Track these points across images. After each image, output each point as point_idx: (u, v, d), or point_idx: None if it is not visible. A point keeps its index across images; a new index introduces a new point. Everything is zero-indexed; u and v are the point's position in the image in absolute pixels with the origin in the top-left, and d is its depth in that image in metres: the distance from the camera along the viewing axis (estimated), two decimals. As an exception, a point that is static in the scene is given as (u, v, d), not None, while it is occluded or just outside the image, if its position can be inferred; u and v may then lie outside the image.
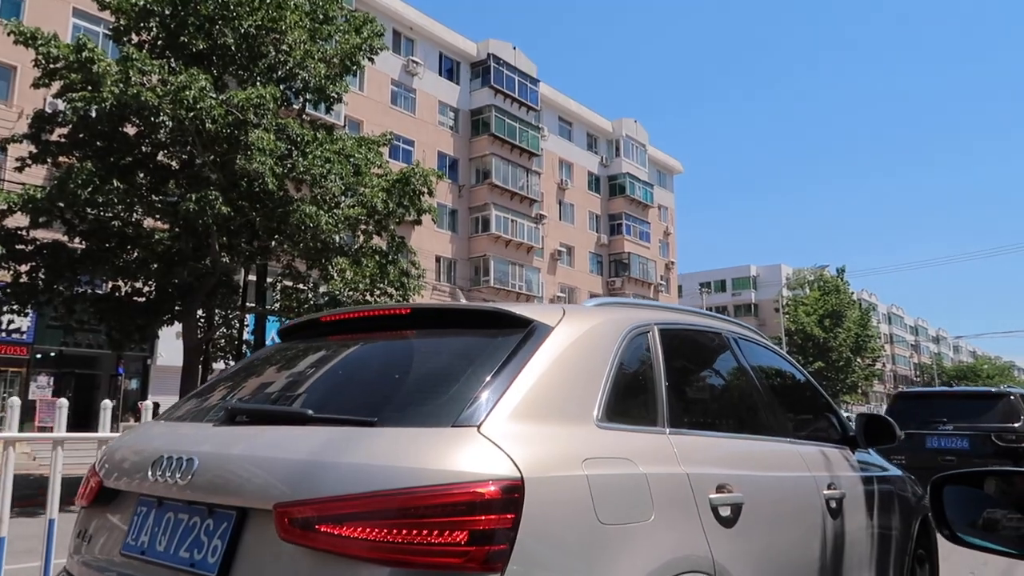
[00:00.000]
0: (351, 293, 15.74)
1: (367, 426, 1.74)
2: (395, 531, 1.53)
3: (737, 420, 2.88)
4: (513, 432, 1.72)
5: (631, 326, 2.32)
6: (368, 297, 16.03)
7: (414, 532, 1.53)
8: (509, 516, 1.57)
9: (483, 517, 1.55)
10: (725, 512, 2.15)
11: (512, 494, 1.59)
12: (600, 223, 48.42)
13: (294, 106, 15.82)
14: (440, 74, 38.71)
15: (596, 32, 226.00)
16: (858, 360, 46.85)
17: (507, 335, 2.03)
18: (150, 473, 1.90)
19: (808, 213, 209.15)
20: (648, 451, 2.03)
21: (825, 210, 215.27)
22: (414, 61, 36.40)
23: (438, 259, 36.79)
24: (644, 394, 2.25)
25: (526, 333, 2.03)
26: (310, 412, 1.84)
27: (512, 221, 39.08)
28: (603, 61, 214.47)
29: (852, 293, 48.31)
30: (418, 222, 15.52)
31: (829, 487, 2.90)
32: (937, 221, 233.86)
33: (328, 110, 16.85)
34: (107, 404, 3.66)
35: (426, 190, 14.49)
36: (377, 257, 15.26)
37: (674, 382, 2.39)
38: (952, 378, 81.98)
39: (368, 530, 1.54)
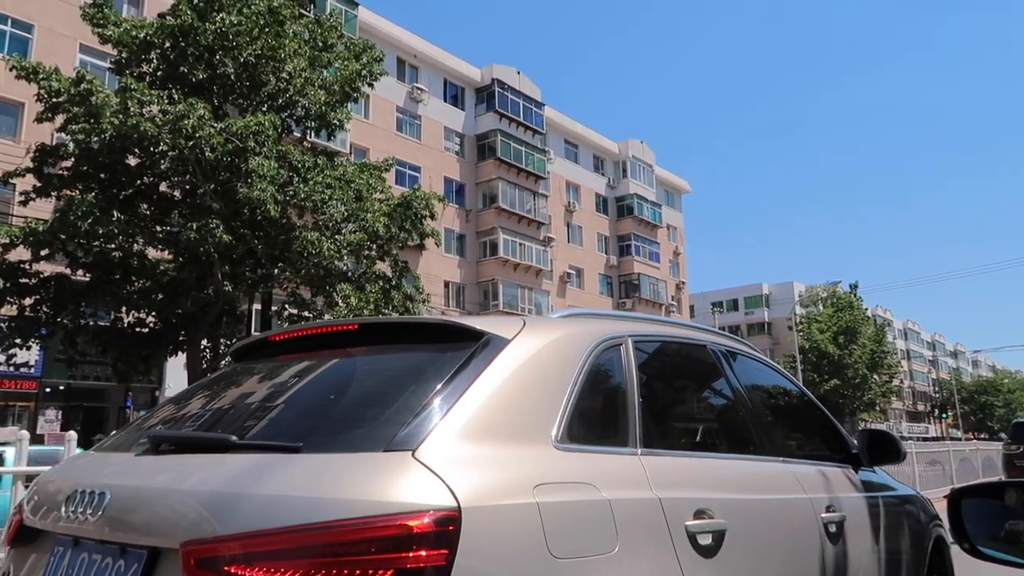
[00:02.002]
0: (355, 319, 15.64)
1: (291, 452, 1.57)
2: (312, 571, 1.36)
3: (722, 439, 2.68)
4: (454, 456, 1.55)
5: (600, 338, 2.15)
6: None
7: (333, 572, 1.35)
8: (442, 552, 1.39)
9: (411, 554, 1.37)
10: (705, 540, 1.95)
11: (446, 526, 1.41)
12: (609, 244, 48.30)
13: (295, 133, 15.83)
14: (445, 100, 38.94)
15: (600, 55, 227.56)
16: (875, 377, 46.14)
17: (457, 350, 1.87)
18: (63, 509, 1.74)
19: (819, 229, 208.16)
20: (614, 475, 1.85)
21: (837, 226, 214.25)
22: (419, 88, 36.64)
23: (447, 284, 36.73)
24: (613, 412, 2.07)
25: (478, 347, 1.87)
26: (233, 438, 1.68)
27: (520, 244, 39.02)
28: (608, 83, 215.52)
29: (866, 309, 47.71)
30: (421, 246, 15.42)
31: (828, 509, 2.69)
32: (951, 234, 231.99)
33: (330, 137, 16.88)
34: (72, 436, 3.50)
35: (428, 214, 14.42)
36: (381, 282, 15.16)
37: (649, 398, 2.21)
38: (972, 393, 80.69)
39: (282, 571, 1.36)
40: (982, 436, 72.10)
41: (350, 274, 15.22)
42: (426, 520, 1.40)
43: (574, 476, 1.73)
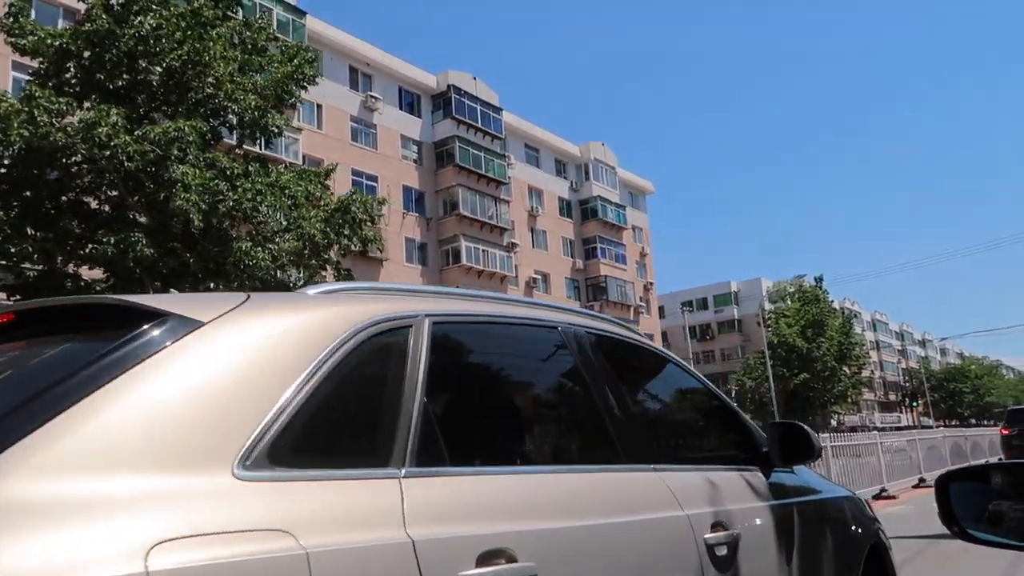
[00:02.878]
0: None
1: None
2: None
3: (561, 447, 2.13)
4: (11, 505, 0.99)
5: (370, 320, 1.59)
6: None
7: None
8: None
9: None
10: None
11: None
12: (574, 248, 47.95)
13: (230, 141, 15.09)
14: (400, 108, 38.33)
15: (557, 58, 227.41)
16: (844, 369, 46.16)
17: (112, 339, 1.31)
18: None
19: (785, 225, 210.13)
20: (336, 512, 1.28)
21: (802, 221, 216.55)
22: (373, 96, 36.01)
23: (409, 294, 36.02)
24: (373, 419, 1.50)
25: (140, 334, 1.31)
26: None
27: (483, 251, 38.46)
28: (566, 86, 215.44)
29: (832, 301, 47.71)
30: (364, 252, 14.77)
31: (715, 527, 2.16)
32: (913, 223, 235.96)
33: (267, 144, 16.20)
34: None
35: (368, 218, 13.76)
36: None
37: (445, 399, 1.67)
38: (941, 381, 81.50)
39: None
40: (953, 423, 72.86)
41: (291, 285, 14.54)
42: None
43: (252, 521, 1.16)
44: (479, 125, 40.23)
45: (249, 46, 14.40)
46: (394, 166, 36.77)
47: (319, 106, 33.80)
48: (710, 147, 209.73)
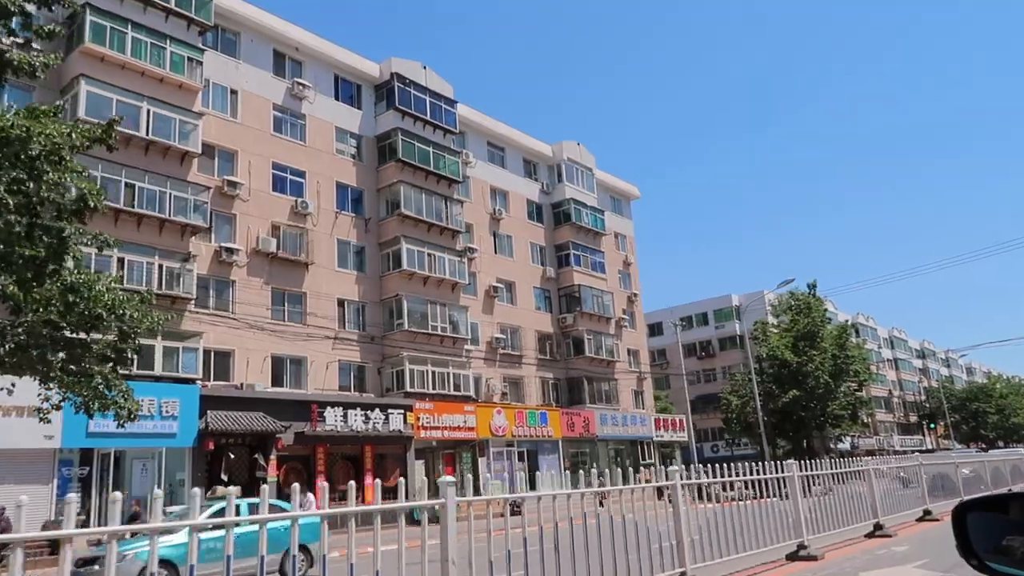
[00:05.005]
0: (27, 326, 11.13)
1: None
2: None
3: None
4: None
5: None
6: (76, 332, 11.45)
7: None
8: None
9: None
10: None
11: None
12: (545, 255, 43.82)
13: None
14: (337, 98, 34.64)
15: (533, 55, 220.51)
16: (850, 384, 41.24)
17: None
18: None
19: (791, 238, 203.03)
20: None
21: (809, 232, 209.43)
22: (300, 84, 32.38)
23: (341, 303, 32.09)
24: None
25: None
26: None
27: (429, 255, 34.45)
28: (543, 85, 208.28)
29: (825, 310, 42.80)
30: (79, 213, 10.79)
31: None
32: (921, 234, 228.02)
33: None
34: None
35: (56, 157, 9.75)
36: (28, 265, 10.46)
37: None
38: (963, 401, 75.51)
39: None
40: (982, 447, 67.10)
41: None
42: None
43: None
44: (428, 118, 36.43)
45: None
46: (326, 161, 33.02)
47: (234, 91, 30.30)
48: (715, 156, 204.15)
